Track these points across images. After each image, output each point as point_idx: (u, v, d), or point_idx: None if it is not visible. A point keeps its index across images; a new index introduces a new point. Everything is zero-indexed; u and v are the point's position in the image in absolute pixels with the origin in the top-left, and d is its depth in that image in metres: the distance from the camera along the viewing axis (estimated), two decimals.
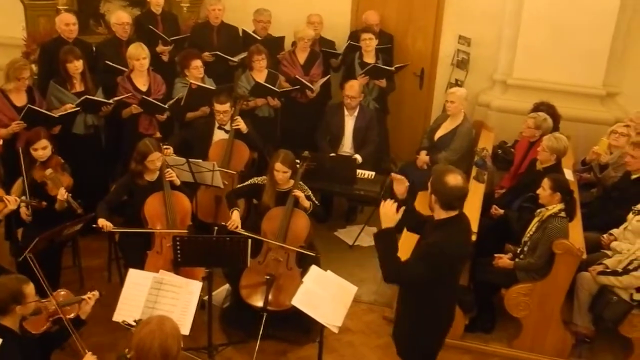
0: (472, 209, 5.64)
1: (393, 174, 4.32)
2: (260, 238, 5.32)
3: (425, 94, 8.21)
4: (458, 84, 7.70)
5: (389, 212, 3.91)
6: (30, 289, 3.91)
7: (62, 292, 4.41)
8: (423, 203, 4.30)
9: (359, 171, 6.54)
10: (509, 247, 5.67)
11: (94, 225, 5.23)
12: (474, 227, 5.31)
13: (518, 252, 5.44)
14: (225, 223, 5.37)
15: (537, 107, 6.71)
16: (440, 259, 3.80)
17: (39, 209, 5.29)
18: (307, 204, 5.46)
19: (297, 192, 5.42)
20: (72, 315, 4.20)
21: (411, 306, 4.11)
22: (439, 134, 6.81)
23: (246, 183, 5.74)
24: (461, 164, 6.40)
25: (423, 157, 6.78)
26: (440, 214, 3.88)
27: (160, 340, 3.30)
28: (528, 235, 5.38)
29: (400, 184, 4.21)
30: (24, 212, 5.26)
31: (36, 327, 4.11)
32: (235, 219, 5.36)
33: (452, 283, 4.11)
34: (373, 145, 6.89)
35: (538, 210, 5.38)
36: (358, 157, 6.73)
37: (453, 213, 3.87)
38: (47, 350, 4.17)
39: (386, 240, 3.93)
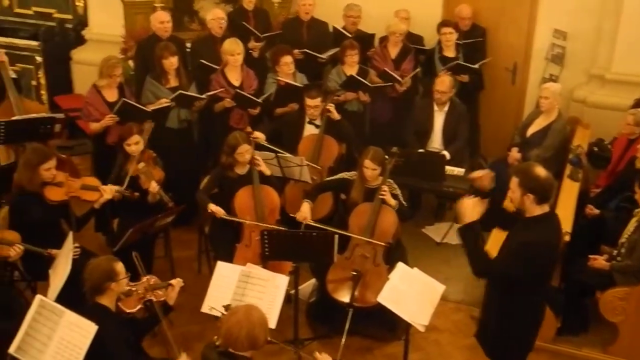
0: (566, 208, 5.47)
1: (471, 174, 4.27)
2: (346, 234, 5.31)
3: (518, 89, 7.98)
4: (552, 79, 7.45)
5: (467, 207, 3.90)
6: (120, 266, 4.11)
7: (152, 277, 4.55)
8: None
9: (448, 167, 6.44)
10: (604, 249, 5.44)
11: (210, 210, 5.39)
12: (568, 226, 5.15)
13: (615, 254, 5.22)
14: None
15: (638, 103, 6.43)
16: (532, 259, 3.72)
17: (132, 200, 5.47)
18: (392, 202, 5.40)
19: (385, 193, 5.35)
20: (160, 299, 4.35)
21: (500, 306, 4.02)
22: (531, 130, 6.62)
23: (336, 177, 5.74)
24: (554, 161, 6.21)
25: (514, 154, 6.60)
26: (534, 210, 3.81)
27: (247, 330, 3.41)
28: (626, 236, 5.16)
29: (484, 179, 4.15)
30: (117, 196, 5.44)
31: (130, 307, 4.30)
32: (304, 211, 5.36)
33: (543, 283, 4.01)
34: (462, 142, 6.77)
35: (636, 210, 5.16)
36: (446, 153, 6.62)
37: (546, 208, 3.81)
38: (139, 334, 4.33)
39: (470, 234, 3.91)
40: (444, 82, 6.64)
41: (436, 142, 6.77)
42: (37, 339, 3.74)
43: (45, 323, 3.76)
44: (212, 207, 5.43)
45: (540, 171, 3.80)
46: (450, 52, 7.27)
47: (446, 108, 6.72)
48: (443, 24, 7.37)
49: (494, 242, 4.65)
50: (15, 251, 4.80)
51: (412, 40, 7.55)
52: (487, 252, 3.90)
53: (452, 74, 6.97)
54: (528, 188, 3.77)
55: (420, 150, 6.65)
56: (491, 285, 4.14)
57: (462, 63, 7.08)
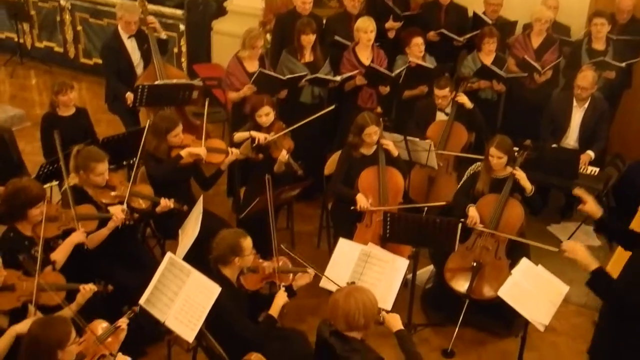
0: None
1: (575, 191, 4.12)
2: (470, 225, 5.20)
3: None
4: None
5: (584, 253, 3.86)
6: (247, 242, 4.17)
7: (283, 259, 4.61)
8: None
9: (582, 166, 6.18)
10: None
11: (352, 208, 5.37)
12: None
13: None
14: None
15: None
16: None
17: (257, 164, 5.62)
18: (529, 186, 5.24)
19: (519, 173, 5.22)
20: (285, 283, 4.39)
21: (617, 331, 3.83)
22: None
23: (464, 178, 5.63)
24: None
25: None
26: None
27: (343, 310, 3.46)
28: None
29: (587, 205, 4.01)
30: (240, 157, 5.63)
31: (251, 284, 4.37)
32: (473, 216, 5.20)
33: None
34: (604, 142, 6.44)
35: None
36: (591, 153, 6.32)
37: None
38: (256, 310, 4.39)
39: (601, 282, 3.84)
40: (586, 78, 6.31)
41: (571, 138, 6.49)
42: (164, 294, 3.93)
43: (173, 280, 3.94)
44: (361, 199, 5.39)
45: None
46: (599, 45, 6.90)
47: (586, 104, 6.40)
48: (596, 14, 6.95)
49: (617, 261, 4.45)
50: (165, 205, 5.02)
51: (558, 30, 7.22)
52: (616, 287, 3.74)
53: (597, 69, 6.64)
54: None
55: (554, 146, 6.39)
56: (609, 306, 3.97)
57: (607, 60, 6.70)
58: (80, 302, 4.01)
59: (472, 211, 5.23)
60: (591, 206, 4.25)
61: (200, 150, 5.42)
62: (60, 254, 4.38)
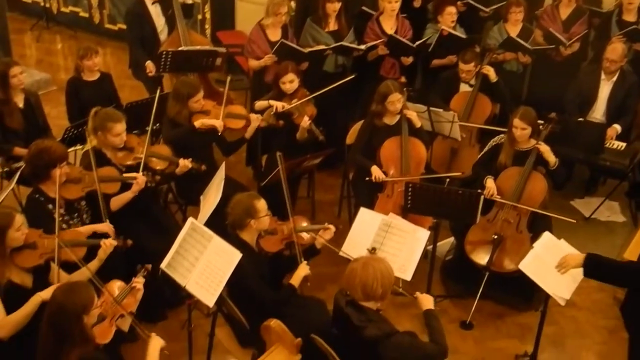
0: None
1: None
2: (492, 197, 5.17)
3: None
4: None
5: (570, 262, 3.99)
6: (261, 204, 4.19)
7: (300, 219, 4.60)
8: None
9: (608, 140, 6.11)
10: None
11: (367, 178, 5.39)
12: None
13: None
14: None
15: None
16: None
17: (278, 130, 5.65)
18: (553, 159, 5.19)
19: (543, 146, 5.16)
20: (305, 242, 4.40)
21: None
22: None
23: (487, 148, 5.58)
24: None
25: None
26: None
27: (360, 279, 3.46)
28: None
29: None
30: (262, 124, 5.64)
31: (270, 247, 4.38)
32: (490, 187, 5.19)
33: None
34: (632, 116, 6.33)
35: None
36: (618, 127, 6.23)
37: None
38: (278, 274, 4.44)
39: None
40: (615, 50, 6.19)
41: (598, 112, 6.38)
42: (186, 259, 3.95)
43: (195, 245, 3.96)
44: (375, 171, 5.41)
45: None
46: (630, 16, 6.73)
47: (615, 78, 6.28)
48: None
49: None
50: (184, 165, 5.06)
51: (588, 0, 7.09)
52: None
53: (628, 41, 6.50)
54: None
55: (580, 119, 6.31)
56: None
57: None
58: (102, 258, 4.06)
59: (490, 182, 5.21)
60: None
61: (216, 123, 5.40)
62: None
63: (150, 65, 6.36)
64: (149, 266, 4.00)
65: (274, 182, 5.17)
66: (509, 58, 6.71)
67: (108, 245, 4.09)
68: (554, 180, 5.42)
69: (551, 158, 5.18)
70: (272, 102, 5.69)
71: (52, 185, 4.27)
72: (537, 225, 5.12)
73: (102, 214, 4.49)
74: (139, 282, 3.87)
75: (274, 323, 3.69)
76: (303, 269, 4.26)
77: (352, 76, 6.05)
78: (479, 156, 5.63)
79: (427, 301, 3.85)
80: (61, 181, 4.34)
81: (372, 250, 4.05)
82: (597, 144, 6.01)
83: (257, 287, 4.09)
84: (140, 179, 4.71)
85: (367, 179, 5.40)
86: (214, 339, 4.36)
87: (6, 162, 5.12)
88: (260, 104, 5.77)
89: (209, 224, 4.32)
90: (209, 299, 3.81)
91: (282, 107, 5.62)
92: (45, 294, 3.70)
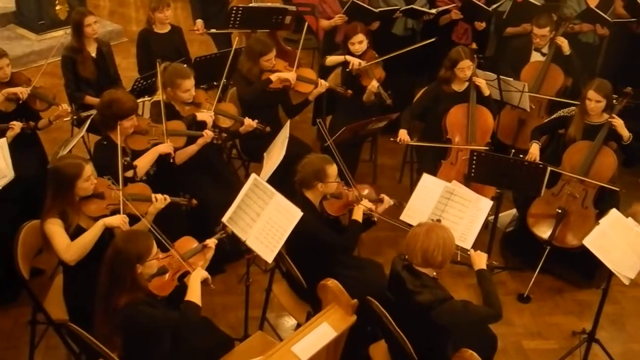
0: None
1: None
2: (559, 170, 5.06)
3: None
4: None
5: None
6: (332, 169, 4.19)
7: (367, 188, 4.57)
8: None
9: None
10: None
11: (392, 139, 5.38)
12: None
13: None
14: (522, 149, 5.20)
15: None
16: None
17: (346, 97, 5.60)
18: (626, 133, 5.03)
19: (616, 120, 5.00)
20: (366, 210, 4.36)
21: None
22: None
23: (554, 117, 5.44)
24: None
25: None
26: None
27: (422, 244, 3.46)
28: None
29: None
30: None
31: (333, 210, 4.37)
32: (533, 152, 5.14)
33: None
34: None
35: None
36: None
37: None
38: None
39: None
40: None
41: None
42: (247, 214, 3.99)
43: (256, 201, 3.99)
44: (400, 134, 5.36)
45: None
46: None
47: None
48: None
49: None
50: (249, 124, 5.11)
51: None
52: None
53: None
54: None
55: None
56: None
57: None
58: (153, 212, 4.06)
59: (534, 148, 5.16)
60: None
61: (290, 75, 5.42)
62: (144, 161, 4.49)
63: (199, 24, 6.41)
64: (230, 229, 4.00)
65: (339, 143, 5.16)
66: (586, 30, 6.48)
67: (159, 200, 4.06)
68: (625, 155, 5.25)
69: (625, 132, 5.02)
70: (348, 57, 5.64)
71: (121, 136, 4.36)
72: (603, 202, 5.00)
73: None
74: (212, 242, 3.89)
75: (332, 282, 3.71)
76: (358, 213, 4.27)
77: (432, 40, 5.92)
78: (543, 122, 5.51)
79: (479, 259, 3.77)
80: (128, 133, 4.44)
81: (437, 222, 3.99)
82: None
83: (323, 230, 4.17)
84: (207, 134, 4.77)
85: (391, 139, 5.37)
86: (270, 295, 4.43)
87: (77, 110, 5.23)
88: (332, 58, 5.74)
89: (272, 180, 4.36)
90: (269, 254, 3.85)
91: (358, 63, 5.58)
92: (110, 220, 3.83)
